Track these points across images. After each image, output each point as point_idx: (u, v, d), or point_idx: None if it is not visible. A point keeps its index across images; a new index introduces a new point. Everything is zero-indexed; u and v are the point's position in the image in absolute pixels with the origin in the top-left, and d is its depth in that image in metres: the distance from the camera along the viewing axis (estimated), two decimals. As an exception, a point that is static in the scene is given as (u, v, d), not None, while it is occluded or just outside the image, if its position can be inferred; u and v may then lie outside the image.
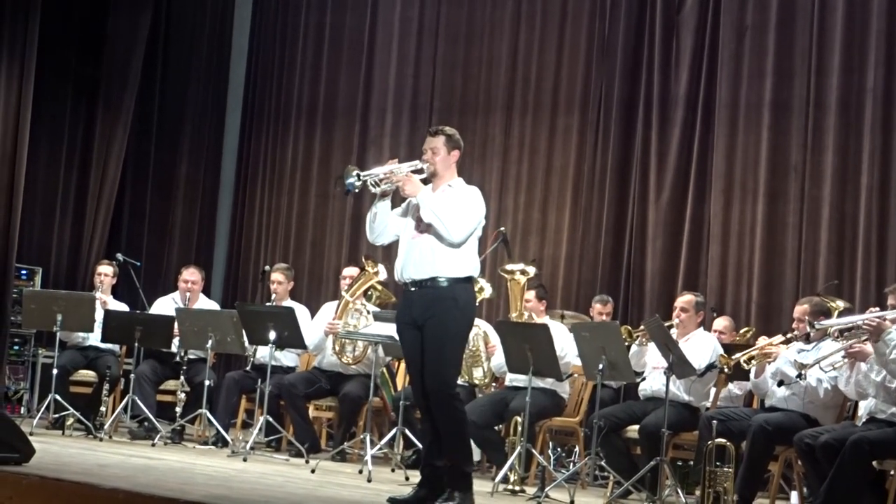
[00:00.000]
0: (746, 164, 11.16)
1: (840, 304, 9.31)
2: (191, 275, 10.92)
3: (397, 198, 6.98)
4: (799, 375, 7.59)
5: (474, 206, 6.83)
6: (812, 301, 8.16)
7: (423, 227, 6.79)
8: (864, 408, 7.63)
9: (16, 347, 11.96)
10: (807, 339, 7.90)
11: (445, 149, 6.88)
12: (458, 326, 6.80)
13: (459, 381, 9.53)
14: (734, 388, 9.14)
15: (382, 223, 6.91)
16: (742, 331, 10.23)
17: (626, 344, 8.51)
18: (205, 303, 11.07)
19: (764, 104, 11.11)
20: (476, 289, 9.32)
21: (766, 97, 11.10)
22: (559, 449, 10.07)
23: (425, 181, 6.88)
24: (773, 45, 11.14)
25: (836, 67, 10.78)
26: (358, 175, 6.80)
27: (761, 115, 11.12)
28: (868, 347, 7.18)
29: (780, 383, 7.84)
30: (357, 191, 6.87)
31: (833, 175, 10.71)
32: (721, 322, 9.76)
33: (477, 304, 7.14)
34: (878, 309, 7.48)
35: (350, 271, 10.28)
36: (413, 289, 6.80)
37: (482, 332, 9.68)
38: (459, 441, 6.78)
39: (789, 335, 8.01)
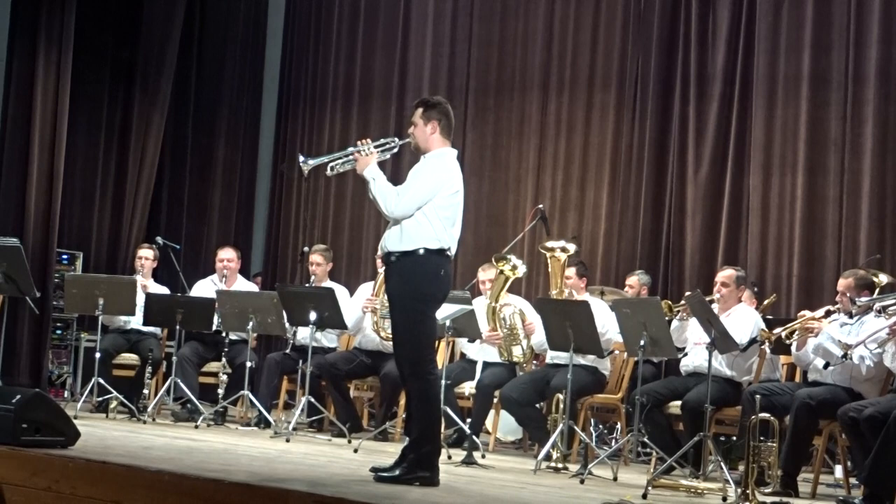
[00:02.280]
0: (785, 137, 11.08)
1: (883, 278, 9.21)
2: (226, 253, 10.96)
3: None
4: (844, 356, 7.53)
5: (422, 180, 6.68)
6: (857, 274, 8.03)
7: None
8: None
9: (58, 332, 12.07)
10: (849, 315, 7.84)
11: (422, 121, 6.79)
12: (402, 301, 6.66)
13: (498, 360, 9.60)
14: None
15: None
16: (766, 302, 10.15)
17: (667, 319, 8.46)
18: (242, 283, 11.10)
19: (802, 77, 11.01)
20: (509, 267, 9.34)
21: (804, 70, 11.00)
22: (601, 426, 10.06)
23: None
24: (811, 16, 11.04)
25: (875, 39, 10.67)
26: (302, 161, 6.91)
27: (800, 87, 11.02)
28: (913, 322, 7.12)
29: (826, 365, 7.80)
30: (305, 172, 7.00)
31: (873, 147, 10.61)
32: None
33: (439, 277, 6.66)
34: None
35: (386, 250, 10.28)
36: None
37: (518, 309, 9.64)
38: (420, 415, 6.70)
39: (832, 309, 7.95)
